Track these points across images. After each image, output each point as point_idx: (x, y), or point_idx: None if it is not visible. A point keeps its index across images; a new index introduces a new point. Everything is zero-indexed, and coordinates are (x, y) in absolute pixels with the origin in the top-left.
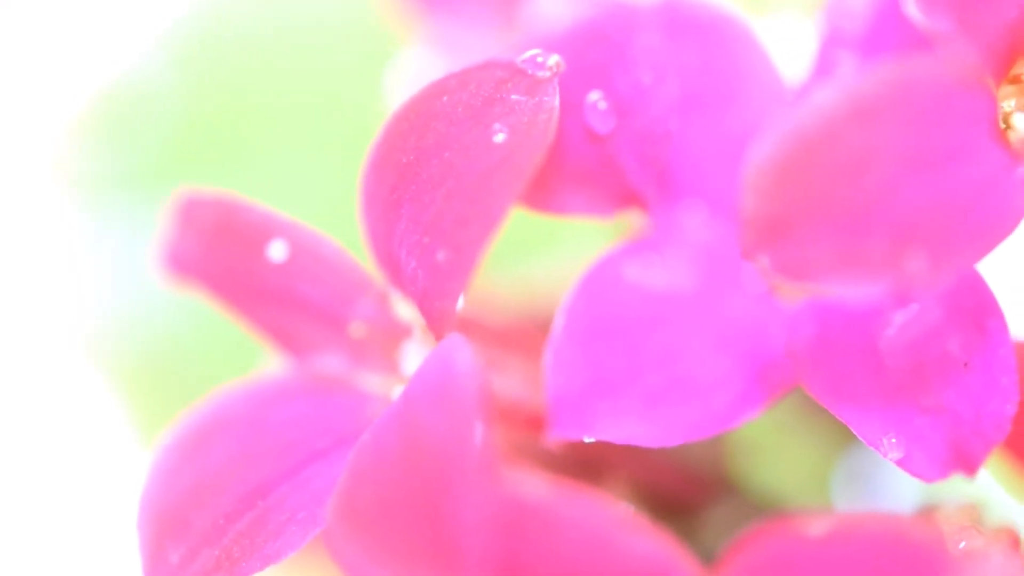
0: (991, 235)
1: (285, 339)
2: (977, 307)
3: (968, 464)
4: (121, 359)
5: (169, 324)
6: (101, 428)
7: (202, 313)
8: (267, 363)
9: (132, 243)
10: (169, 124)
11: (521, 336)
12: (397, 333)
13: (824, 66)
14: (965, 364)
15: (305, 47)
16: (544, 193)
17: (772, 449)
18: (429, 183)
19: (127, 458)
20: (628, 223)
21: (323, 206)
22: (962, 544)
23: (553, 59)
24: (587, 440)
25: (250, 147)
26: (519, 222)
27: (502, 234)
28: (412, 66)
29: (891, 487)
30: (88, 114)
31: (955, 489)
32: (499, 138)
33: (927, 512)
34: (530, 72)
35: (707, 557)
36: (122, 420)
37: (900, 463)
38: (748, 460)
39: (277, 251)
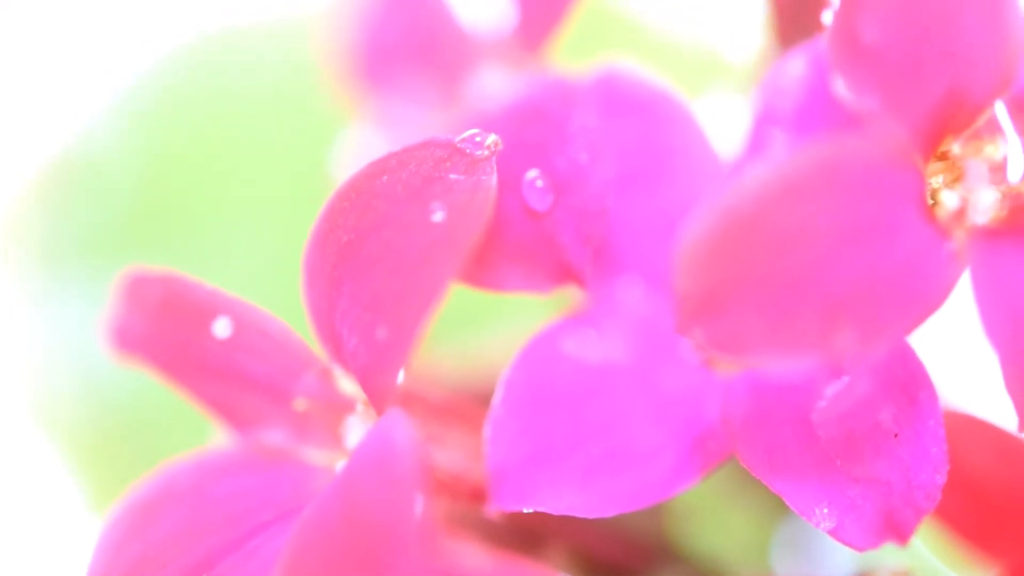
0: (920, 309)
1: (231, 414)
2: (908, 379)
3: (900, 533)
4: (74, 428)
5: (123, 393)
6: (52, 497)
7: (156, 384)
8: (219, 434)
9: (85, 311)
10: (122, 192)
11: (462, 409)
12: (340, 407)
13: (757, 144)
14: (896, 435)
15: (257, 119)
16: (483, 270)
17: (712, 516)
18: (369, 261)
19: (79, 528)
20: (569, 296)
21: (274, 274)
22: None
23: (491, 138)
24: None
25: (202, 217)
26: (463, 294)
27: (446, 306)
28: (358, 141)
29: (829, 553)
30: (42, 180)
31: (889, 556)
32: (437, 217)
33: None
34: (468, 151)
35: None
36: (74, 489)
37: (833, 532)
38: (688, 527)
39: (222, 328)
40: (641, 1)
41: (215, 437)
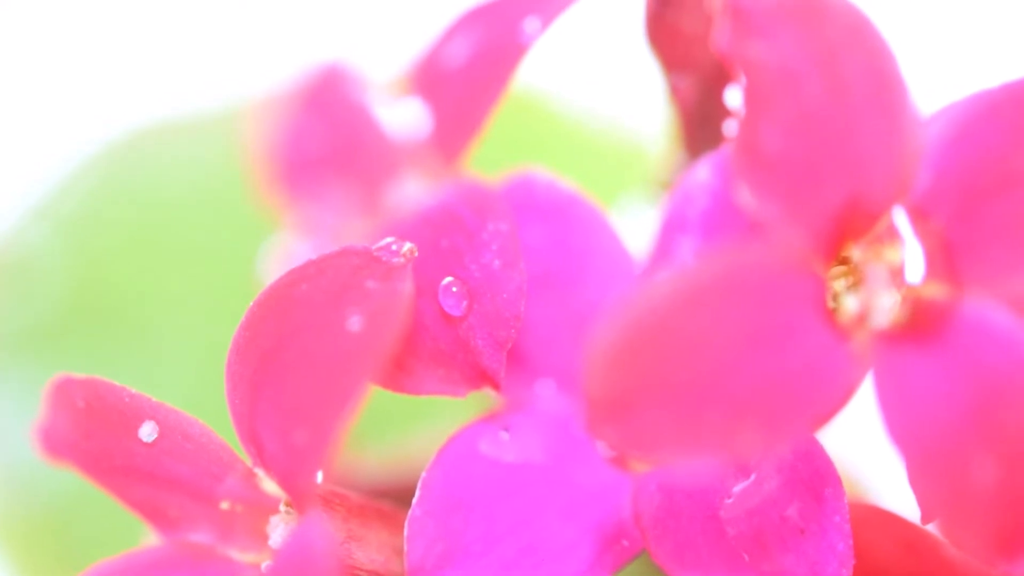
0: (823, 408)
1: (157, 515)
2: (814, 476)
3: None
4: (4, 527)
5: (55, 493)
6: None
7: (87, 484)
8: (149, 533)
9: (15, 410)
10: (50, 293)
11: (382, 508)
12: (264, 508)
13: (664, 250)
14: (802, 531)
15: (184, 219)
16: (401, 374)
17: None
18: (287, 367)
19: None
20: (488, 398)
21: (203, 373)
22: None
23: (407, 247)
24: None
25: (131, 317)
26: (387, 396)
27: (370, 407)
28: (283, 247)
29: None
30: None
31: None
32: (354, 324)
33: None
34: (384, 259)
35: None
36: None
37: None
38: None
39: (147, 432)
40: (564, 94)
41: (146, 536)
